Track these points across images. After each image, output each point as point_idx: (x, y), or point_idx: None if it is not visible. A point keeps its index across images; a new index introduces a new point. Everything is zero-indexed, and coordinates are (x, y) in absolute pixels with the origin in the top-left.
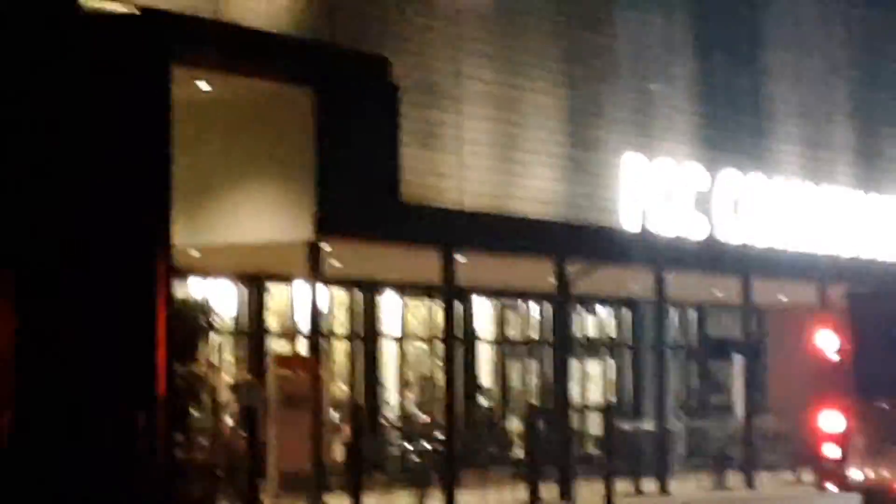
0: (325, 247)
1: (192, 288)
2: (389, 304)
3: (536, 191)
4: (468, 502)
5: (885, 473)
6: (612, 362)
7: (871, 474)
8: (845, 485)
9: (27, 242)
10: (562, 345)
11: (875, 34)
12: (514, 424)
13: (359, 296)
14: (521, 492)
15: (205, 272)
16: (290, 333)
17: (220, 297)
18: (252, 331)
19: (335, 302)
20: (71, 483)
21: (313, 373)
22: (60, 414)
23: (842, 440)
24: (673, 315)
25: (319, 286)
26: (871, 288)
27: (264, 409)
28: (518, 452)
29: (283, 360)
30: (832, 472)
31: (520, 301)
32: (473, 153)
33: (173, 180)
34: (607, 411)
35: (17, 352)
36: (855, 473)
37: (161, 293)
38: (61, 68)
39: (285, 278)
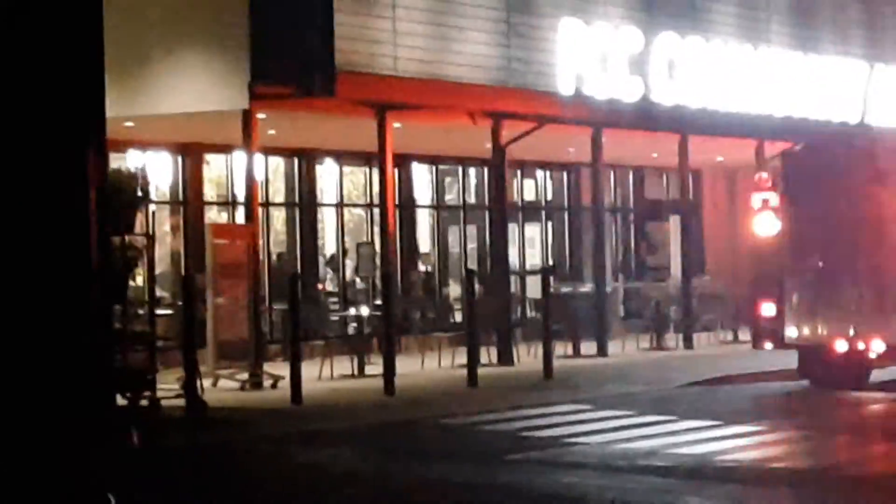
0: (261, 115)
1: (128, 160)
2: (327, 172)
3: (472, 56)
4: (408, 368)
5: (820, 330)
6: (549, 226)
7: (807, 332)
8: (781, 343)
9: None
10: (499, 209)
11: None
12: (454, 290)
13: (296, 164)
14: (461, 356)
15: (141, 143)
16: (227, 203)
17: (158, 168)
18: (189, 200)
19: (273, 171)
20: (3, 358)
21: (250, 241)
22: None
23: (777, 299)
24: (610, 178)
25: (256, 155)
26: (805, 145)
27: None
28: (457, 317)
29: (220, 230)
30: (768, 330)
31: (458, 166)
32: (408, 19)
33: (106, 51)
34: (545, 274)
35: None
36: (790, 331)
37: (94, 164)
38: None
39: (223, 148)
